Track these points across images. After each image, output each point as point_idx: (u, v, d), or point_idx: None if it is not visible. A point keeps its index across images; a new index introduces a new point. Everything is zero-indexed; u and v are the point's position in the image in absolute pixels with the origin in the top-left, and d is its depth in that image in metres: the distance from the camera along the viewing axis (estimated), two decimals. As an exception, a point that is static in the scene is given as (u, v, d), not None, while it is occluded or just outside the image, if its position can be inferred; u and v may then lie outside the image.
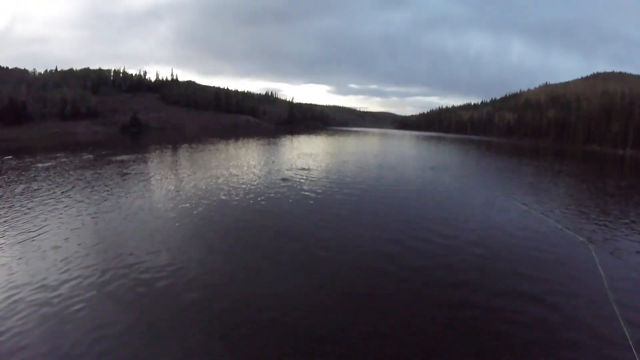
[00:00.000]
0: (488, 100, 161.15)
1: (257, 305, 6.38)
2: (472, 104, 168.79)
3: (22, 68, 77.49)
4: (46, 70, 73.64)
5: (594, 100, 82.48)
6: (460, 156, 40.20)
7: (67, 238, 9.18)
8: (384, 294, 6.98)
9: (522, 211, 13.55)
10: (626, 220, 12.61)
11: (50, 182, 16.01)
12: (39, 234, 9.39)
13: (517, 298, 6.88)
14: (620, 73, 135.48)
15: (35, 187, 14.91)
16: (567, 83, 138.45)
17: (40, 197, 13.34)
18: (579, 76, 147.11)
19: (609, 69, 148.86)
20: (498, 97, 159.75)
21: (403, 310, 6.40)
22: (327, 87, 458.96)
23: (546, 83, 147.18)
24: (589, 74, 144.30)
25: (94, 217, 11.06)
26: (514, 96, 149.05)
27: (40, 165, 21.13)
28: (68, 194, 13.92)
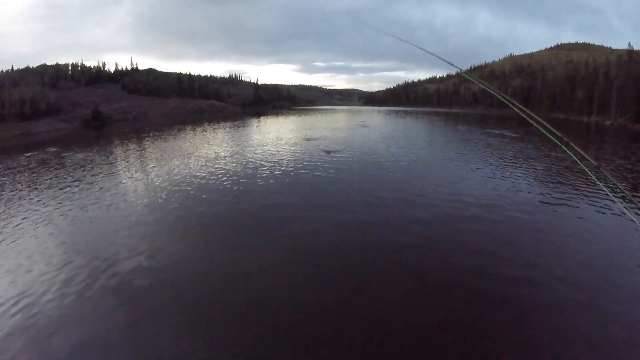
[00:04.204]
0: (454, 73, 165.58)
1: (245, 288, 6.55)
2: (438, 77, 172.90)
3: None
4: (2, 71, 74.14)
5: (558, 70, 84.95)
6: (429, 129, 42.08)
7: (44, 243, 9.01)
8: (368, 266, 7.29)
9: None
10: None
11: (14, 187, 15.33)
12: (14, 242, 9.14)
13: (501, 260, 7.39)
14: (584, 43, 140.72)
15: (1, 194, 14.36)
16: (531, 53, 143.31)
17: (6, 203, 12.88)
18: (544, 47, 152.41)
19: (573, 40, 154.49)
20: (464, 69, 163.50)
21: (385, 278, 6.81)
22: (293, 67, 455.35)
23: (511, 54, 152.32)
24: (553, 45, 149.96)
25: (67, 220, 10.72)
26: (480, 68, 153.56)
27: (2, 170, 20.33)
28: (36, 198, 13.41)
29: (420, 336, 5.26)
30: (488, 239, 8.57)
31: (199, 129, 43.84)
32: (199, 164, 18.29)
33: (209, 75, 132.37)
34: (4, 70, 75.20)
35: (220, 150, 23.06)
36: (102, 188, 14.22)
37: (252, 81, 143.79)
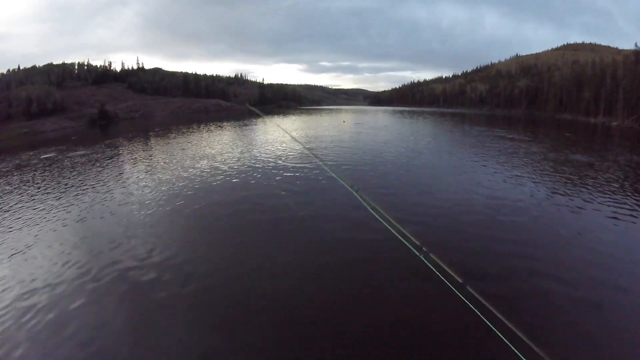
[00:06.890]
0: (460, 73, 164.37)
1: (248, 287, 6.62)
2: (444, 76, 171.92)
3: (-16, 70, 77.12)
4: (9, 70, 75.13)
5: (565, 70, 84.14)
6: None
7: (50, 241, 9.10)
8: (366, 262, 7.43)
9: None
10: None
11: (22, 185, 15.55)
12: (20, 240, 9.25)
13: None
14: (590, 44, 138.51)
15: (7, 191, 14.63)
16: (538, 54, 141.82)
17: (14, 201, 13.10)
18: (550, 47, 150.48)
19: (579, 40, 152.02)
20: (470, 69, 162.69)
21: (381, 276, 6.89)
22: (299, 66, 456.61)
23: (517, 54, 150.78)
24: (560, 45, 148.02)
25: (74, 218, 10.84)
26: (486, 68, 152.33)
27: (6, 168, 20.68)
28: (43, 196, 13.60)
29: (423, 336, 5.31)
30: (493, 238, 8.54)
31: (204, 128, 43.74)
32: (204, 164, 18.27)
33: (214, 75, 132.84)
34: (11, 70, 76.30)
35: (225, 150, 23.05)
36: (108, 187, 14.26)
37: (257, 81, 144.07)
